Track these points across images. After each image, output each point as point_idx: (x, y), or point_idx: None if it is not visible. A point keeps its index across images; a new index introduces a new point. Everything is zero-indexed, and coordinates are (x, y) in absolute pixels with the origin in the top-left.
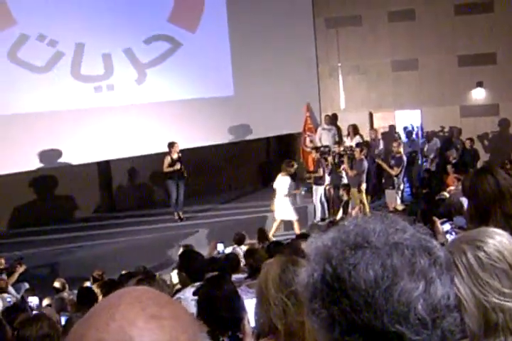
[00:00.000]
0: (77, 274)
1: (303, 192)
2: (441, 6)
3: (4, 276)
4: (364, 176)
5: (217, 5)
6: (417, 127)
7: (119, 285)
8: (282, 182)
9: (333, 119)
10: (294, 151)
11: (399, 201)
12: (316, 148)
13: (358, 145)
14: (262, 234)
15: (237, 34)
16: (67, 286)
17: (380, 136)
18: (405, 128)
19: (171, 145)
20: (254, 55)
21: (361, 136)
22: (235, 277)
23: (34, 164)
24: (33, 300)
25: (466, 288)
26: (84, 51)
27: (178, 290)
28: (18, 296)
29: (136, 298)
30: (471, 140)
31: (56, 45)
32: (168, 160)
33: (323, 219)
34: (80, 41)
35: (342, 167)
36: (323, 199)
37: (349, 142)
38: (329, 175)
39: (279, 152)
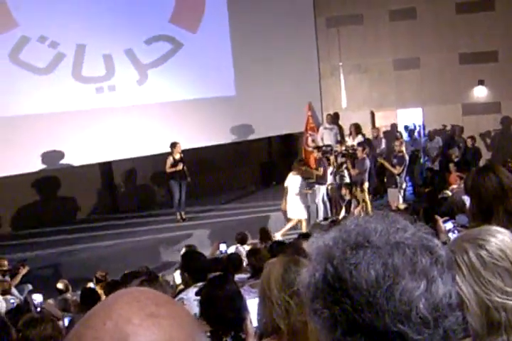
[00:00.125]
0: (80, 275)
1: (310, 191)
2: (442, 4)
3: (7, 278)
4: (366, 175)
5: (218, 5)
6: (419, 126)
7: (122, 285)
8: (294, 181)
9: (334, 118)
10: (296, 151)
11: (401, 200)
12: (318, 148)
13: (359, 144)
14: (265, 234)
15: (238, 34)
16: (70, 287)
17: (382, 135)
18: (407, 127)
19: (174, 145)
20: (256, 55)
21: (363, 135)
22: (237, 277)
23: (36, 166)
24: (36, 298)
25: (468, 287)
26: (85, 52)
27: (181, 291)
28: (22, 298)
29: (134, 298)
30: (473, 138)
31: (57, 46)
32: (170, 160)
33: (325, 219)
34: (81, 42)
35: (344, 166)
36: (325, 198)
37: (351, 141)
38: (331, 174)
39: (281, 152)
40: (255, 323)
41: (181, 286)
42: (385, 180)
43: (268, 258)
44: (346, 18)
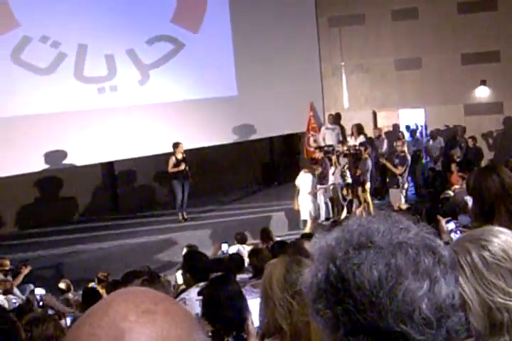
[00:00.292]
0: (81, 275)
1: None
2: (444, 4)
3: (9, 278)
4: (368, 175)
5: (219, 5)
6: (421, 126)
7: (123, 285)
8: (305, 180)
9: (336, 118)
10: (297, 151)
11: (403, 200)
12: (320, 148)
13: (361, 144)
14: (266, 234)
15: (239, 34)
16: (72, 287)
17: (383, 135)
18: (409, 127)
19: (176, 145)
20: (257, 55)
21: (365, 135)
22: (239, 277)
23: (38, 166)
24: (39, 292)
25: (470, 288)
26: (87, 52)
27: (183, 291)
28: (24, 297)
29: (132, 296)
30: (473, 138)
31: (59, 46)
32: (172, 160)
33: (327, 219)
34: (83, 42)
35: (346, 166)
36: (327, 198)
37: (353, 142)
38: (333, 174)
39: (283, 152)
40: (257, 323)
41: (183, 286)
42: (387, 180)
43: (269, 258)
44: (348, 18)
